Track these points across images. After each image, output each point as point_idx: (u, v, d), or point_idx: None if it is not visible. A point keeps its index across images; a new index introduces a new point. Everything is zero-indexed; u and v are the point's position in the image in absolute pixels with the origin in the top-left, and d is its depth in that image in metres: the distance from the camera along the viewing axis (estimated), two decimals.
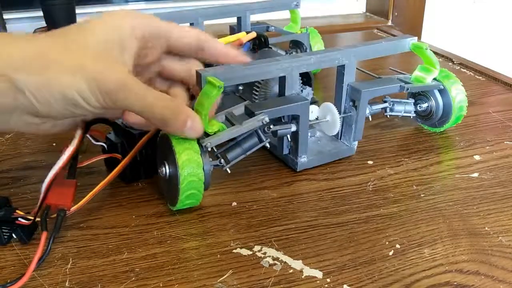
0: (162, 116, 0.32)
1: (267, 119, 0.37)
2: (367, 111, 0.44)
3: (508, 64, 0.93)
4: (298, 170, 0.42)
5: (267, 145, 0.38)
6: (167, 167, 0.36)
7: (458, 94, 0.46)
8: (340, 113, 0.43)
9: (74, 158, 0.36)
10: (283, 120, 0.40)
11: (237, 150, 0.37)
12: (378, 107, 0.45)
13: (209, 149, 0.35)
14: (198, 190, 0.35)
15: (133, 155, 0.38)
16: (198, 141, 0.35)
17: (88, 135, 0.38)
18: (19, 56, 0.28)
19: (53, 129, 0.33)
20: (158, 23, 0.35)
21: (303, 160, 0.42)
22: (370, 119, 0.45)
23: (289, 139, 0.41)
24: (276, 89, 0.42)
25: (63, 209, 0.33)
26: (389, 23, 1.05)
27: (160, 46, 0.35)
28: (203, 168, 0.34)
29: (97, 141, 0.40)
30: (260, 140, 0.38)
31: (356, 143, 0.45)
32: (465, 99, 0.47)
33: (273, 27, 0.62)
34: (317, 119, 0.43)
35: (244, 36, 0.46)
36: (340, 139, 0.45)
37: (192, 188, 0.34)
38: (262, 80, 0.45)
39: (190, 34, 0.36)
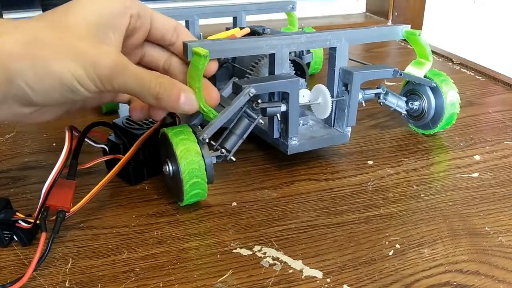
0: (157, 93, 0.32)
1: (253, 90, 0.36)
2: (360, 96, 0.43)
3: (508, 64, 0.93)
4: (289, 153, 0.41)
5: (261, 121, 0.38)
6: (169, 164, 0.36)
7: (449, 90, 0.46)
8: (332, 97, 0.42)
9: (74, 158, 0.36)
10: (273, 100, 0.40)
11: (233, 138, 0.37)
12: (371, 92, 0.45)
13: (207, 140, 0.35)
14: (201, 178, 0.35)
15: (132, 154, 0.38)
16: (195, 134, 0.35)
17: (86, 139, 0.38)
18: (12, 46, 0.28)
19: (42, 118, 0.33)
20: (143, 5, 0.35)
21: (294, 142, 0.41)
22: (364, 105, 0.45)
23: (279, 119, 0.41)
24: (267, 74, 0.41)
25: (62, 210, 0.33)
26: (389, 23, 1.05)
27: (145, 27, 0.35)
28: (204, 160, 0.35)
29: (97, 143, 0.40)
30: (251, 119, 0.37)
31: (349, 129, 0.44)
32: (457, 96, 0.46)
33: (268, 29, 0.61)
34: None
35: (238, 32, 0.45)
36: (333, 126, 0.44)
37: (194, 177, 0.35)
38: (254, 67, 0.45)
39: (170, 21, 0.36)
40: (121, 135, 0.40)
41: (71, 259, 0.32)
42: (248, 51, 0.38)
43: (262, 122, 0.38)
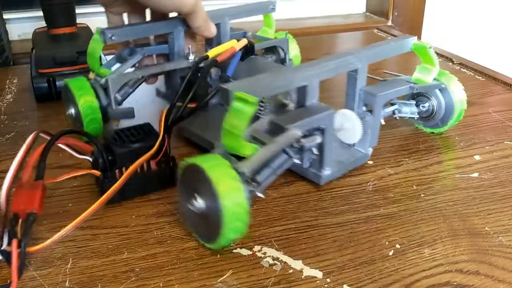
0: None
1: (300, 133, 0.35)
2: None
3: (508, 64, 0.93)
4: (321, 184, 0.40)
5: (296, 160, 0.36)
6: (199, 200, 0.32)
7: (456, 88, 0.46)
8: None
9: (42, 160, 0.35)
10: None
11: (266, 171, 0.34)
12: (389, 109, 0.45)
13: (248, 175, 0.31)
14: (243, 221, 0.31)
15: (127, 177, 0.35)
16: (233, 167, 0.31)
17: (68, 149, 0.37)
18: None
19: None
20: None
21: (327, 173, 0.39)
22: (383, 123, 0.44)
23: (313, 152, 0.38)
24: (279, 99, 0.40)
25: (32, 213, 0.31)
26: (389, 23, 1.05)
27: None
28: (245, 196, 0.30)
29: (82, 154, 0.38)
30: (289, 157, 0.35)
31: (371, 149, 0.43)
32: (464, 93, 0.47)
33: (250, 33, 0.59)
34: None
35: (236, 44, 0.45)
36: (354, 145, 0.43)
37: (236, 220, 0.30)
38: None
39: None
40: (102, 150, 0.37)
41: (71, 259, 0.32)
42: (285, 88, 0.37)
43: (299, 162, 0.37)
